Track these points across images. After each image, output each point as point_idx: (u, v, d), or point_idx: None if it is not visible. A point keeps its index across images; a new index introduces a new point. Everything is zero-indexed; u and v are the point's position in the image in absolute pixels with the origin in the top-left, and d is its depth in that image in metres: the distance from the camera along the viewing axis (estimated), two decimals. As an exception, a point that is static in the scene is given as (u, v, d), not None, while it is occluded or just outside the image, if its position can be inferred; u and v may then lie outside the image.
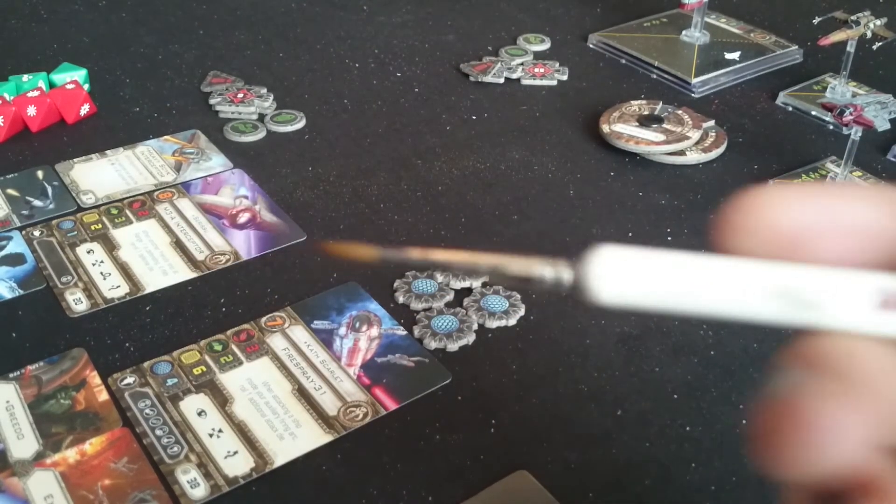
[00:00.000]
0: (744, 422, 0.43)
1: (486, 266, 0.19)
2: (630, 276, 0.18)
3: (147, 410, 0.42)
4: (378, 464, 0.40)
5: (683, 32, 0.79)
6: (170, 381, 0.44)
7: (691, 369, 0.45)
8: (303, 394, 0.43)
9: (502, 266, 0.19)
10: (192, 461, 0.40)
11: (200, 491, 0.38)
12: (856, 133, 0.60)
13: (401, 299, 0.49)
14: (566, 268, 0.18)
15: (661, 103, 0.67)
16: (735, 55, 0.76)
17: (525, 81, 0.73)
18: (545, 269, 0.19)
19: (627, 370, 0.45)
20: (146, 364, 0.45)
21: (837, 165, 0.63)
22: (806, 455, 0.15)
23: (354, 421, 0.42)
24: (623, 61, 0.76)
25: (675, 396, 0.44)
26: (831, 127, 0.67)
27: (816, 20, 0.69)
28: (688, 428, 0.42)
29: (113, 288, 0.50)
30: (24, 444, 0.40)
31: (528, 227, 0.56)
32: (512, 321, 0.48)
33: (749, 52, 0.77)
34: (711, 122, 0.66)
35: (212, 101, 0.68)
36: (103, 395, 0.43)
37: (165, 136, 0.64)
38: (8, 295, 0.49)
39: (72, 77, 0.67)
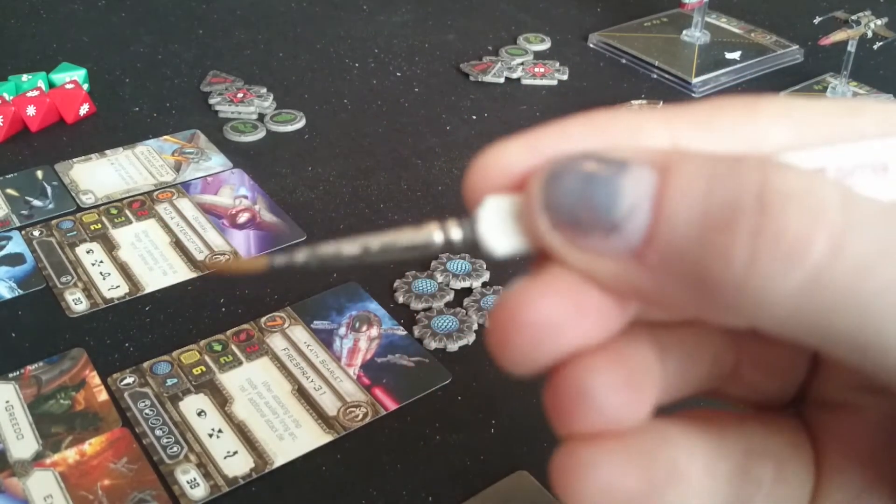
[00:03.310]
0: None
1: (370, 247, 0.18)
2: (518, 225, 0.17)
3: (147, 410, 0.42)
4: (378, 464, 0.40)
5: (684, 32, 0.79)
6: (169, 382, 0.44)
7: (692, 369, 0.45)
8: (302, 394, 0.43)
9: (388, 242, 0.18)
10: (192, 461, 0.40)
11: (200, 491, 0.38)
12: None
13: (401, 299, 0.49)
14: (455, 227, 0.17)
15: (661, 103, 0.67)
16: (735, 55, 0.76)
17: (525, 81, 0.73)
18: (433, 234, 0.17)
19: (628, 370, 0.45)
20: (146, 364, 0.45)
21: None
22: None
23: (354, 421, 0.42)
24: (623, 61, 0.76)
25: (676, 396, 0.44)
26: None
27: (817, 20, 0.69)
28: (688, 428, 0.42)
29: (112, 288, 0.49)
30: (23, 445, 0.40)
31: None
32: (512, 321, 0.48)
33: (750, 51, 0.77)
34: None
35: (211, 101, 0.68)
36: (103, 396, 0.43)
37: (165, 136, 0.64)
38: (7, 295, 0.49)
39: (71, 77, 0.67)
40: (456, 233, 0.17)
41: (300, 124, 0.66)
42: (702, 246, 0.15)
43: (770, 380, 0.20)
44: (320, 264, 0.18)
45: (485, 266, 0.51)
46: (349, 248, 0.18)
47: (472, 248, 0.17)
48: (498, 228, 0.17)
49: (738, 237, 0.14)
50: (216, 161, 0.61)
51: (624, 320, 0.17)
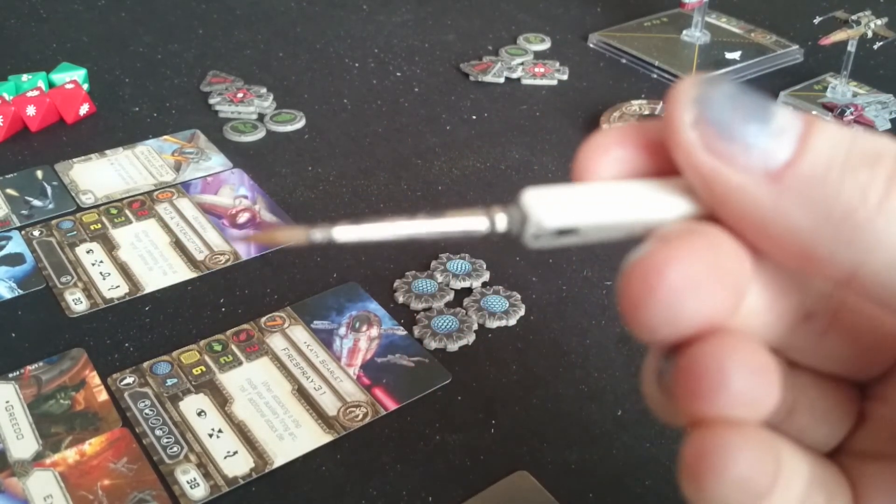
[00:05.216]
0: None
1: (415, 232, 0.18)
2: (568, 199, 0.17)
3: (147, 410, 0.42)
4: (378, 464, 0.40)
5: (684, 32, 0.79)
6: (169, 382, 0.43)
7: (692, 369, 0.45)
8: (302, 394, 0.43)
9: (435, 228, 0.17)
10: (192, 461, 0.40)
11: (200, 491, 0.38)
12: (856, 133, 0.60)
13: (401, 299, 0.49)
14: (501, 212, 0.17)
15: (661, 103, 0.67)
16: (735, 55, 0.76)
17: (525, 81, 0.73)
18: (480, 221, 0.17)
19: (627, 370, 0.45)
20: (146, 364, 0.45)
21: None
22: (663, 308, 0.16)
23: (354, 421, 0.42)
24: (623, 61, 0.76)
25: (676, 396, 0.44)
26: (832, 127, 0.67)
27: (817, 20, 0.69)
28: (688, 428, 0.42)
29: (112, 288, 0.49)
30: (23, 445, 0.40)
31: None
32: (512, 321, 0.48)
33: (749, 51, 0.77)
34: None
35: (211, 101, 0.68)
36: (103, 396, 0.43)
37: (165, 136, 0.64)
38: (7, 295, 0.49)
39: (71, 77, 0.67)
40: (501, 218, 0.17)
41: (300, 124, 0.66)
42: (842, 177, 0.16)
43: (821, 425, 0.20)
44: (361, 244, 0.18)
45: (485, 266, 0.51)
46: (390, 230, 0.18)
47: (517, 233, 0.17)
48: (545, 206, 0.17)
49: (879, 176, 0.15)
50: (216, 161, 0.61)
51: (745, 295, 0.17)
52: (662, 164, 0.18)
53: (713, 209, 0.17)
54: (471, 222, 0.18)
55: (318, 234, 0.18)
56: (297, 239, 0.18)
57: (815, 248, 0.16)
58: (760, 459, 0.16)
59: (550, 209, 0.17)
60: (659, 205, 0.17)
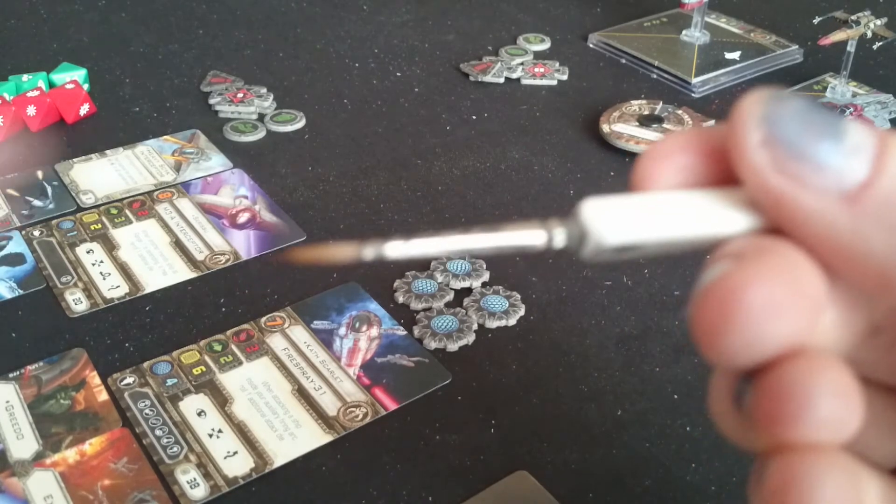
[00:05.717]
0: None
1: (471, 247, 0.17)
2: (629, 212, 0.17)
3: (147, 410, 0.42)
4: (378, 464, 0.40)
5: (683, 32, 0.79)
6: (169, 382, 0.44)
7: (691, 369, 0.45)
8: (302, 394, 0.43)
9: (492, 242, 0.17)
10: (192, 461, 0.40)
11: (200, 491, 0.38)
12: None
13: (401, 299, 0.49)
14: (558, 227, 0.17)
15: (661, 103, 0.67)
16: (735, 55, 0.76)
17: (525, 81, 0.73)
18: (537, 235, 0.17)
19: (627, 370, 0.45)
20: (146, 364, 0.45)
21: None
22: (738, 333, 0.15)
23: (354, 421, 0.42)
24: (623, 61, 0.76)
25: (675, 396, 0.44)
26: (831, 127, 0.67)
27: (816, 20, 0.69)
28: (688, 428, 0.42)
29: (112, 288, 0.50)
30: (23, 445, 0.40)
31: (528, 227, 0.56)
32: (512, 321, 0.48)
33: (749, 51, 0.77)
34: (712, 122, 0.66)
35: (211, 101, 0.68)
36: (103, 396, 0.43)
37: (165, 136, 0.64)
38: (8, 295, 0.49)
39: (71, 77, 0.67)
40: (559, 232, 0.17)
41: (300, 124, 0.66)
42: None
43: (887, 440, 0.19)
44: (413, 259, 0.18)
45: (484, 266, 0.51)
46: (444, 246, 0.17)
47: (575, 249, 0.17)
48: (606, 220, 0.17)
49: None
50: (216, 161, 0.61)
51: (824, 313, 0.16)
52: (725, 172, 0.17)
53: (783, 228, 0.16)
54: (527, 237, 0.17)
55: (369, 251, 0.17)
56: (347, 256, 0.17)
57: (894, 273, 0.15)
58: (845, 485, 0.15)
59: (611, 224, 0.17)
60: (724, 219, 0.17)
